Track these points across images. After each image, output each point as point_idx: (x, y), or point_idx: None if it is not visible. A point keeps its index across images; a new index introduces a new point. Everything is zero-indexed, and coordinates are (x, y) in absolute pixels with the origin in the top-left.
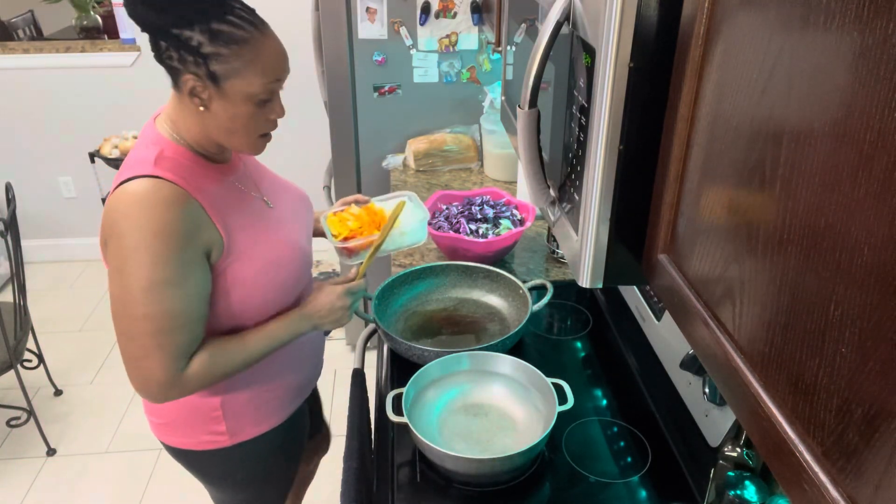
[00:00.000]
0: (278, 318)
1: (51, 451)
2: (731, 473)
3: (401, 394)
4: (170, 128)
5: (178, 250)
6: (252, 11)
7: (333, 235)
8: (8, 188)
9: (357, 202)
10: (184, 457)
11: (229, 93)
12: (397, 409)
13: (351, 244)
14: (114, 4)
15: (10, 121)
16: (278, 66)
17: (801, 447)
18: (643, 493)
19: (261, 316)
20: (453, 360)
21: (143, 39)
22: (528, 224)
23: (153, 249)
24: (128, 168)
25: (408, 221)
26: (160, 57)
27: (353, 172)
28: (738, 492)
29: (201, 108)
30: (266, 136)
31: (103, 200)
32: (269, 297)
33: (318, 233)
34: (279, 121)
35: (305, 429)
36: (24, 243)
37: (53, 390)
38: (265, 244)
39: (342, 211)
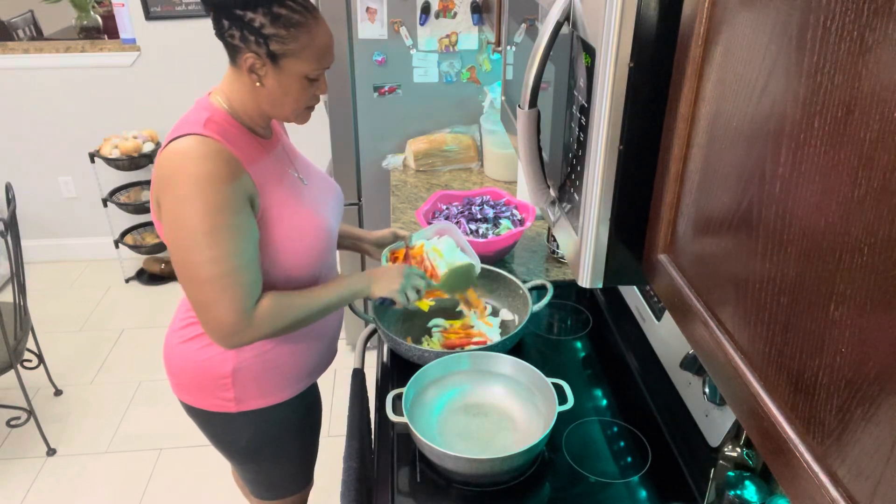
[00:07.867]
0: (338, 277)
1: (51, 451)
2: (731, 473)
3: (401, 394)
4: (223, 100)
5: (230, 194)
6: None
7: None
8: (8, 188)
9: (397, 237)
10: (195, 414)
11: (285, 70)
12: (397, 409)
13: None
14: (114, 4)
15: (10, 121)
16: (329, 51)
17: (801, 447)
18: (643, 493)
19: (282, 287)
20: (453, 360)
21: (143, 39)
22: (528, 224)
23: (206, 196)
24: (177, 129)
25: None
26: (221, 34)
27: (353, 172)
28: (738, 492)
29: (258, 84)
30: (310, 108)
31: (103, 201)
32: (290, 263)
33: (352, 248)
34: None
35: (317, 412)
36: (24, 243)
37: (53, 390)
38: (294, 210)
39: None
